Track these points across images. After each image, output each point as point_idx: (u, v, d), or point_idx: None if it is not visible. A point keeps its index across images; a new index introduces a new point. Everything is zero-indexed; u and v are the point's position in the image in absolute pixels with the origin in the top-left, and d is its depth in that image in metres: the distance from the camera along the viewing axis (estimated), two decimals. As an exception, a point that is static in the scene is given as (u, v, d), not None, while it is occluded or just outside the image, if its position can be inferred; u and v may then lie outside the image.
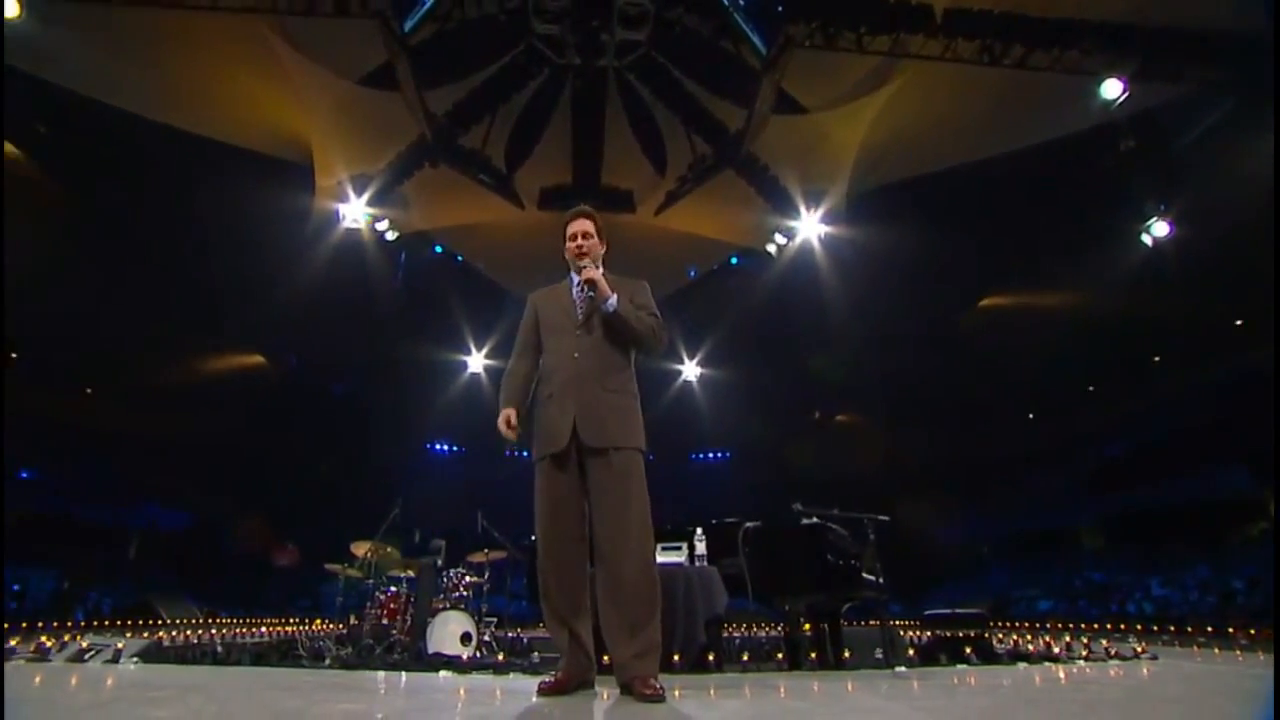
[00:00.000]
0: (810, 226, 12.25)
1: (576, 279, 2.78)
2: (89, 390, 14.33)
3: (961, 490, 17.78)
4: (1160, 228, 10.47)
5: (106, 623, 10.30)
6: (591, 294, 2.69)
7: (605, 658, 2.53)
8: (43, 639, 4.29)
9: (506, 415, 2.67)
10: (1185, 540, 12.50)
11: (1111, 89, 9.27)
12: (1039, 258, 12.89)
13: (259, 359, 15.82)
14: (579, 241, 2.82)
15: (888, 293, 13.68)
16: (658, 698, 2.23)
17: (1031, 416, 16.63)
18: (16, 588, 12.95)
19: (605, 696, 2.42)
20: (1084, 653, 4.28)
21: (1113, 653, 4.30)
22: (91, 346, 12.88)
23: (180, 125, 10.47)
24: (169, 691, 2.50)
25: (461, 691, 2.61)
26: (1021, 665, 3.89)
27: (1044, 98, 9.93)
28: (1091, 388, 15.03)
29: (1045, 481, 16.65)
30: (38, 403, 13.51)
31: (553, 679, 2.47)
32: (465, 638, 4.92)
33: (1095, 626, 8.78)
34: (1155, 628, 8.59)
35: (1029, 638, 5.37)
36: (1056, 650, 4.42)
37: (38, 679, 2.85)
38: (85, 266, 11.74)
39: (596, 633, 2.56)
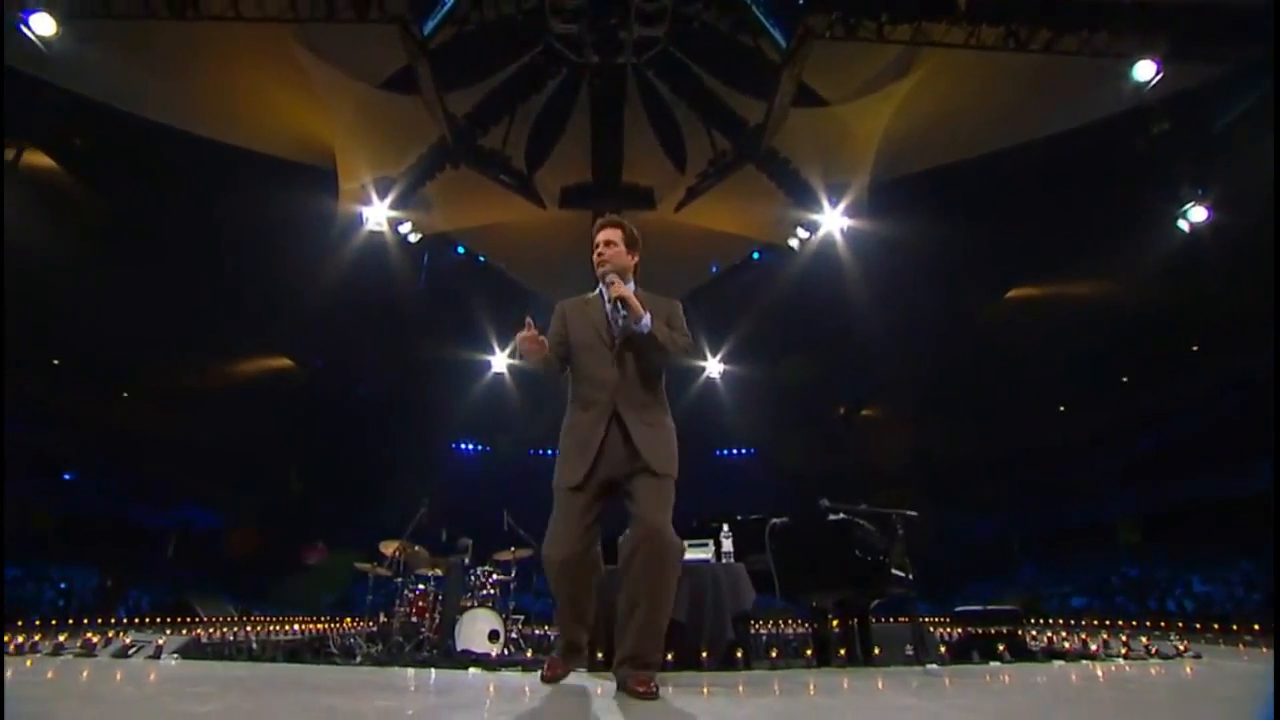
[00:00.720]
0: (832, 220, 12.11)
1: (607, 294, 2.66)
2: (125, 394, 14.73)
3: (991, 485, 17.46)
4: (1197, 213, 10.14)
5: (147, 620, 10.58)
6: (624, 313, 2.56)
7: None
8: (89, 635, 4.42)
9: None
10: (1227, 536, 12.13)
11: (1144, 71, 8.98)
12: (1068, 247, 12.58)
13: (287, 362, 16.13)
14: (600, 250, 2.73)
15: (912, 285, 13.47)
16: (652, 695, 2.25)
17: (1062, 409, 16.27)
18: (63, 585, 13.38)
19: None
20: (1123, 650, 4.16)
21: (1153, 651, 4.19)
22: (127, 351, 13.23)
23: (208, 134, 10.70)
24: (209, 687, 2.56)
25: (491, 689, 2.63)
26: (1057, 663, 3.80)
27: (1073, 82, 9.67)
28: (1125, 379, 14.65)
29: (1077, 476, 16.27)
30: (78, 407, 13.95)
31: (549, 667, 2.61)
32: (493, 635, 4.97)
33: (1133, 624, 8.54)
34: (1198, 625, 8.35)
35: (1064, 635, 5.25)
36: (1094, 648, 4.32)
37: (85, 674, 2.93)
38: (121, 274, 12.06)
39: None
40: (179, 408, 15.00)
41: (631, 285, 2.72)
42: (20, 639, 4.29)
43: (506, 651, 4.84)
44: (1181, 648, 4.31)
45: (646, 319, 2.54)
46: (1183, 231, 10.40)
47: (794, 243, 12.81)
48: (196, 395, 15.08)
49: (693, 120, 11.98)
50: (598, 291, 2.76)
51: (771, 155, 11.32)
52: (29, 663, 3.47)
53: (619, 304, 2.56)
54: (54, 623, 6.38)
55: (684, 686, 2.64)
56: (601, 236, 2.76)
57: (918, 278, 13.31)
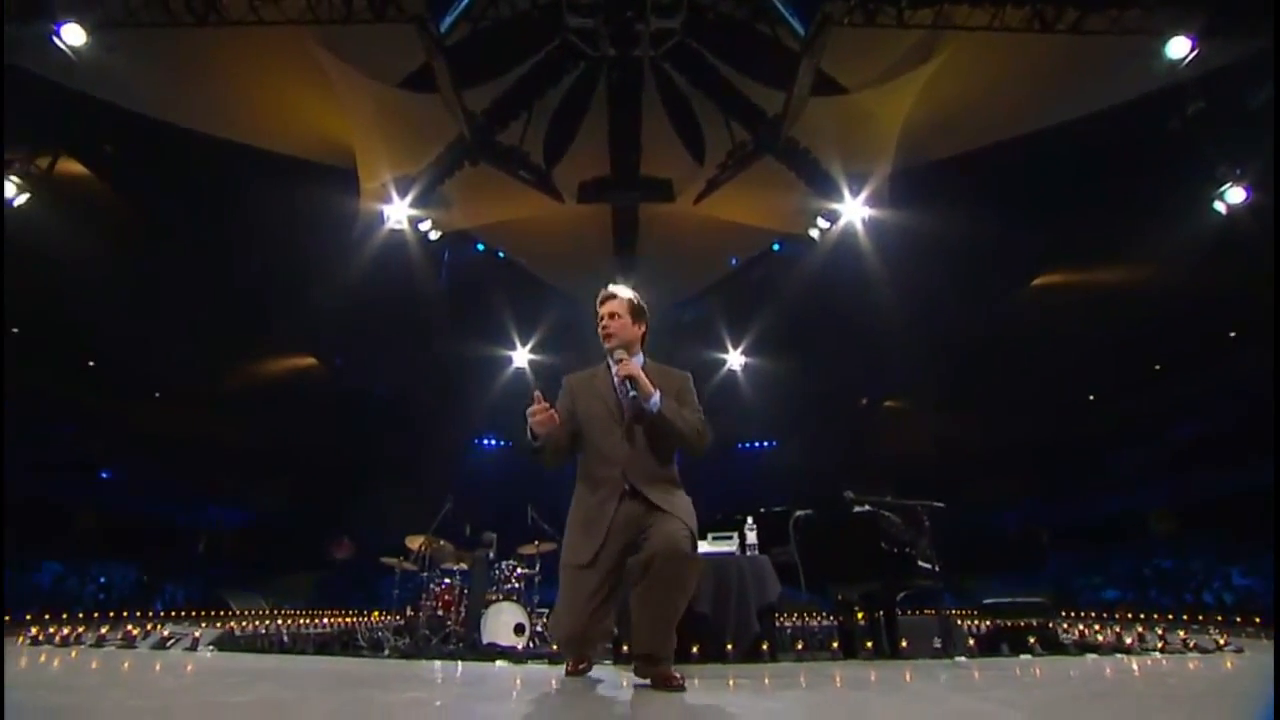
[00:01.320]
0: (853, 210, 11.93)
1: (615, 371, 2.57)
2: (156, 395, 15.10)
3: (1018, 476, 17.18)
4: (1235, 194, 9.80)
5: (182, 613, 10.89)
6: (634, 393, 2.46)
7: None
8: (129, 628, 4.56)
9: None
10: (1268, 527, 11.78)
11: (1178, 48, 8.66)
12: (1098, 232, 12.27)
13: (310, 361, 16.39)
14: (605, 324, 2.64)
15: (935, 274, 13.25)
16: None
17: (1092, 398, 15.93)
18: (103, 580, 13.83)
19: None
20: (1159, 644, 4.07)
21: (1191, 644, 4.08)
22: (158, 354, 13.55)
23: (232, 138, 10.86)
24: (245, 678, 2.62)
25: (518, 681, 2.65)
26: (1090, 656, 3.73)
27: (1102, 62, 9.38)
28: (1158, 366, 14.29)
29: (1109, 466, 15.94)
30: (112, 408, 14.34)
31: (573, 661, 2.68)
32: (519, 628, 5.01)
33: (1169, 617, 8.32)
34: (1238, 619, 8.10)
35: (1097, 628, 5.14)
36: (1128, 641, 4.22)
37: (126, 664, 3.02)
38: (150, 279, 12.34)
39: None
40: (207, 408, 15.35)
41: (640, 358, 2.64)
42: (65, 631, 4.44)
43: (532, 644, 4.88)
44: (1220, 641, 4.19)
45: (656, 398, 2.46)
46: (1219, 214, 10.06)
47: (814, 233, 12.65)
48: (224, 396, 15.40)
49: (711, 111, 11.88)
50: (605, 365, 2.68)
51: (791, 145, 11.18)
52: (74, 654, 3.59)
53: (628, 383, 2.47)
54: (95, 615, 6.60)
55: (710, 679, 2.64)
56: (606, 309, 2.66)
57: (941, 267, 13.09)
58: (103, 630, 4.57)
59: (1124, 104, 10.04)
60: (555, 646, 2.53)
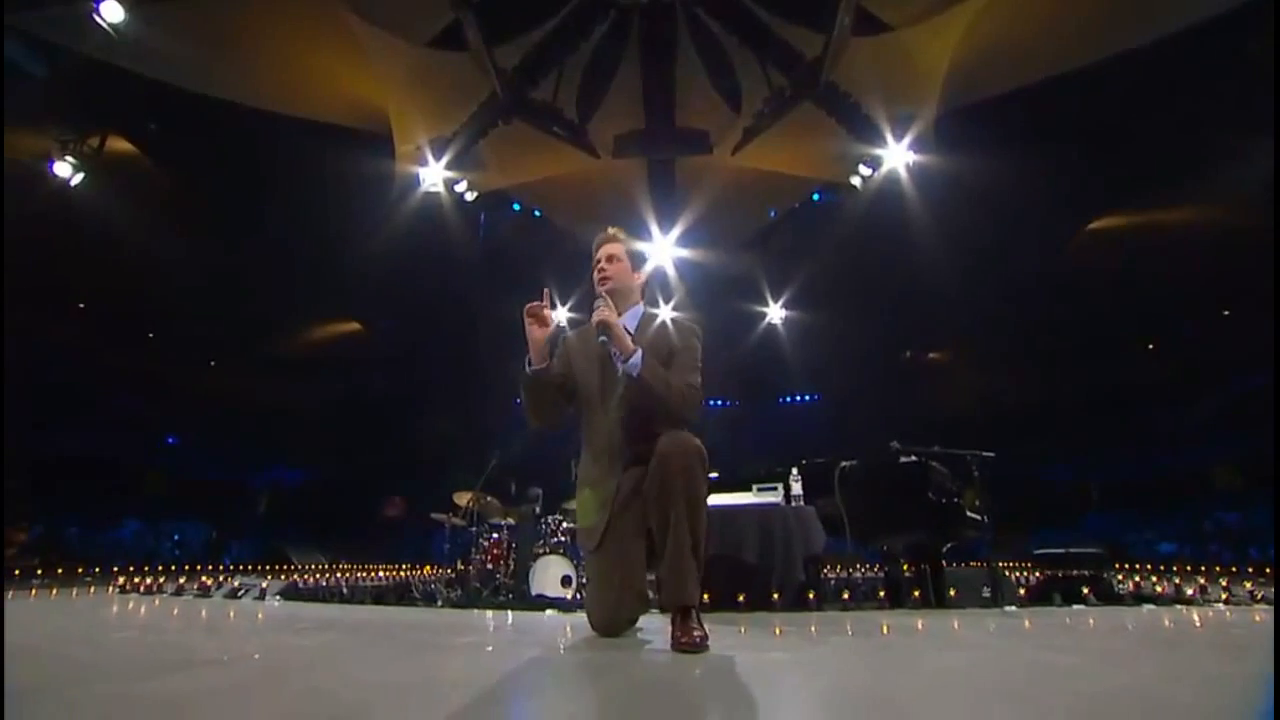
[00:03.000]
0: (897, 155, 11.43)
1: (593, 317, 2.29)
2: (212, 363, 15.77)
3: (1069, 429, 16.68)
4: (1315, 124, 9.04)
5: (249, 566, 11.57)
6: (603, 339, 2.22)
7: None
8: (204, 579, 4.88)
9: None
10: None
11: (1258, -40, 7.94)
12: (1162, 170, 11.51)
13: (356, 325, 16.82)
14: (602, 267, 2.44)
15: (984, 221, 12.69)
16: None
17: (1151, 347, 15.23)
18: (177, 537, 14.84)
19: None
20: (1223, 595, 3.94)
21: (1258, 596, 3.94)
22: (211, 322, 14.08)
23: (269, 107, 10.97)
24: (311, 624, 2.77)
25: (568, 629, 2.73)
26: (1147, 607, 3.64)
27: (1170, -19, 8.66)
28: (1226, 312, 13.52)
29: (1167, 418, 15.32)
30: (172, 376, 15.04)
31: None
32: (565, 580, 5.15)
33: (1233, 570, 8.00)
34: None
35: (1154, 580, 5.02)
36: (1189, 592, 4.09)
37: (204, 612, 3.23)
38: (200, 250, 12.74)
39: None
40: (262, 374, 15.97)
41: (639, 309, 2.45)
42: (149, 581, 4.79)
43: (579, 595, 5.02)
44: (1289, 593, 4.03)
45: (636, 358, 2.15)
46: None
47: (856, 181, 12.20)
48: (275, 361, 15.98)
49: (747, 58, 11.43)
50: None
51: (831, 89, 10.72)
52: (157, 602, 3.85)
53: (602, 330, 2.21)
54: (173, 568, 7.10)
55: (756, 627, 2.67)
56: (604, 253, 2.47)
57: (989, 213, 12.52)
58: (180, 581, 4.92)
59: (1194, 27, 9.26)
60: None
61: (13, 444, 12.73)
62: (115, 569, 6.93)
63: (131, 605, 3.58)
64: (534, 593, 5.01)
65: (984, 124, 11.11)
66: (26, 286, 11.86)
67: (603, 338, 2.22)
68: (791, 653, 2.06)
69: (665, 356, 2.30)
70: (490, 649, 2.22)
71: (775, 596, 3.17)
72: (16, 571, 8.08)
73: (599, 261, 2.46)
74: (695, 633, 1.92)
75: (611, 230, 2.54)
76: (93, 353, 13.70)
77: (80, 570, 7.26)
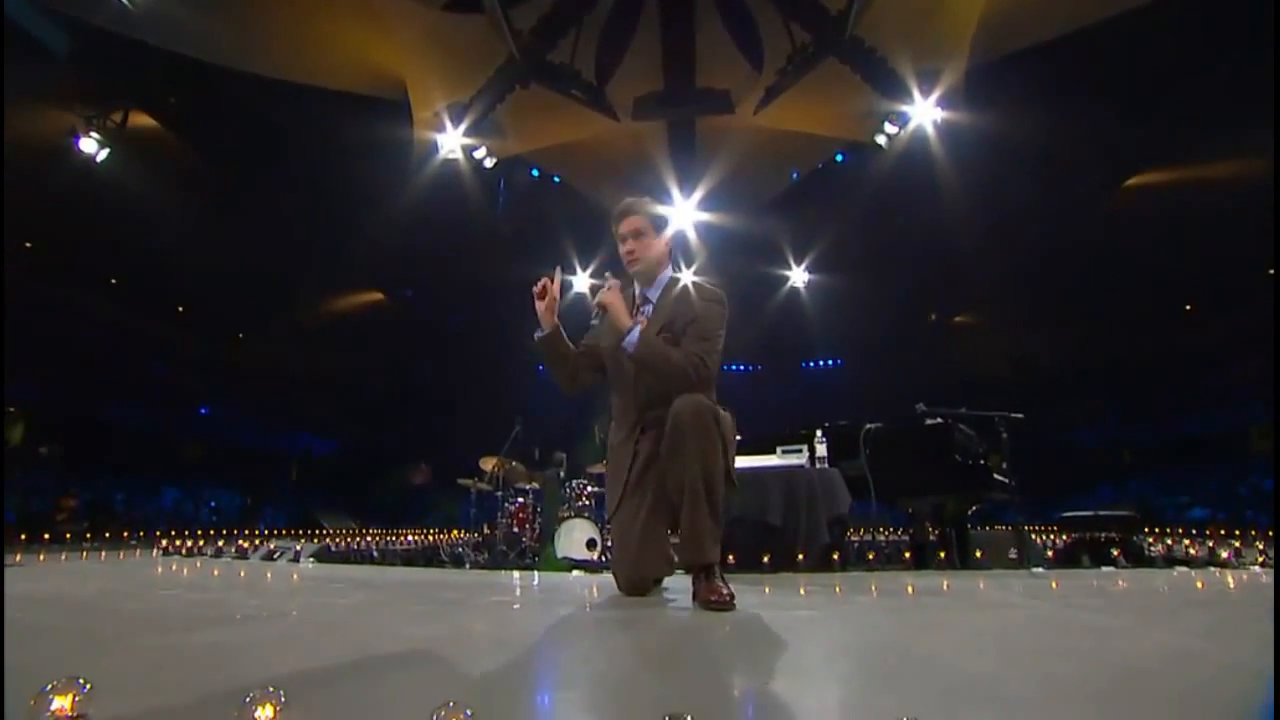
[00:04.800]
0: (924, 111, 11.04)
1: (648, 294, 2.38)
2: (240, 335, 16.08)
3: (1100, 393, 16.36)
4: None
5: (283, 531, 11.96)
6: (596, 318, 2.29)
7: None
8: (241, 543, 5.07)
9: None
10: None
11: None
12: (1204, 123, 10.95)
13: (378, 295, 16.98)
14: (629, 245, 2.37)
15: (1015, 179, 12.27)
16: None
17: (1189, 308, 14.76)
18: (213, 504, 15.38)
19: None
20: (1259, 559, 3.86)
21: (1295, 558, 3.85)
22: (238, 295, 14.31)
23: (286, 77, 10.92)
24: (345, 585, 2.85)
25: (594, 589, 2.77)
26: (1178, 570, 3.59)
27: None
28: (1272, 271, 13.00)
29: (1204, 380, 14.91)
30: (202, 348, 15.39)
31: None
32: (590, 543, 5.23)
33: (1269, 534, 7.84)
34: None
35: (1187, 543, 4.94)
36: (1224, 555, 4.02)
37: (242, 573, 3.34)
38: (225, 223, 12.87)
39: None
40: (286, 344, 16.25)
41: (667, 274, 2.40)
42: (189, 544, 4.99)
43: (604, 558, 5.09)
44: (1327, 555, 3.93)
45: (633, 334, 2.17)
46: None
47: (881, 140, 11.83)
48: (303, 332, 16.24)
49: (769, 13, 11.04)
50: (633, 289, 2.46)
51: (856, 44, 10.33)
52: (198, 564, 4.00)
53: (597, 311, 2.29)
54: (211, 533, 7.39)
55: (783, 585, 2.69)
56: (626, 228, 2.37)
57: (1021, 170, 12.09)
58: (219, 544, 5.11)
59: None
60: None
61: (57, 414, 13.23)
62: (158, 533, 7.22)
63: (174, 566, 3.73)
64: (559, 555, 5.10)
65: (1016, 77, 10.63)
66: (60, 262, 12.16)
67: (594, 318, 2.32)
68: (819, 610, 2.07)
69: (686, 323, 2.26)
70: (518, 607, 2.27)
71: (800, 557, 3.18)
72: (67, 535, 8.46)
73: (625, 239, 2.39)
74: (723, 590, 1.94)
75: (629, 200, 2.43)
76: (126, 327, 14.05)
77: (126, 535, 7.57)
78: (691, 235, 13.36)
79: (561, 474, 6.11)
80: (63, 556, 4.64)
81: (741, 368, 18.73)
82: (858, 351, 18.04)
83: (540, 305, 2.35)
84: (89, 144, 10.27)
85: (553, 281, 2.35)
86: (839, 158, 13.60)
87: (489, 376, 17.03)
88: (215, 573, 3.33)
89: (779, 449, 3.66)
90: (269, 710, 0.71)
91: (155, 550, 5.18)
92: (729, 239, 14.02)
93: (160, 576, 3.15)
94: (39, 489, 11.73)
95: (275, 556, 4.51)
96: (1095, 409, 16.56)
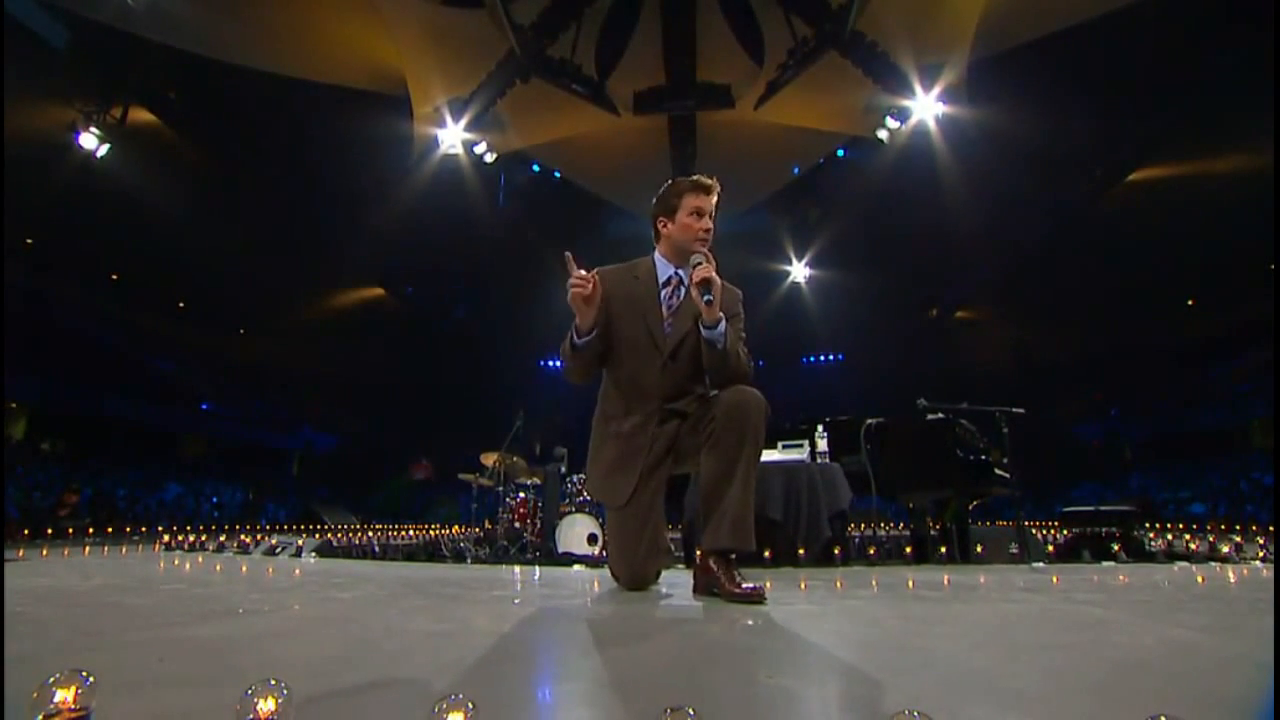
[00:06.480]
0: (926, 106, 11.03)
1: (683, 275, 2.13)
2: (241, 331, 16.09)
3: (1101, 388, 16.36)
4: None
5: (284, 526, 11.98)
6: (709, 296, 1.97)
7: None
8: (243, 537, 5.08)
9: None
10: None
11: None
12: (1205, 117, 10.91)
13: (379, 291, 16.97)
14: (706, 223, 2.14)
15: (1017, 173, 12.25)
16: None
17: (1191, 303, 14.73)
18: (216, 499, 15.40)
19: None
20: (1259, 554, 3.86)
21: (1297, 553, 3.85)
22: (239, 291, 14.33)
23: (286, 73, 10.89)
24: (347, 579, 2.85)
25: (595, 584, 2.77)
26: (1179, 564, 3.59)
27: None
28: (1273, 266, 12.97)
29: (1205, 375, 14.91)
30: (204, 344, 15.42)
31: None
32: (591, 538, 5.24)
33: (1270, 529, 7.86)
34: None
35: (1188, 538, 4.94)
36: (1225, 550, 4.02)
37: (244, 567, 3.35)
38: (224, 219, 12.87)
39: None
40: (291, 341, 16.28)
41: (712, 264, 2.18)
42: (191, 539, 5.00)
43: (604, 554, 5.10)
44: (1328, 551, 3.94)
45: (721, 327, 2.03)
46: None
47: (883, 134, 11.81)
48: (304, 328, 16.26)
49: (770, 7, 11.02)
50: (648, 261, 2.22)
51: (857, 38, 10.31)
52: (200, 559, 4.01)
53: (704, 290, 1.99)
54: (213, 528, 7.40)
55: (784, 580, 2.69)
56: (706, 204, 2.15)
57: (1022, 165, 12.07)
58: (221, 539, 5.12)
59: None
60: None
61: (59, 410, 13.25)
62: (160, 528, 7.24)
63: (176, 561, 3.74)
64: (560, 550, 5.11)
65: (1019, 71, 10.62)
66: (62, 258, 12.16)
67: (708, 296, 1.99)
68: (820, 605, 2.07)
69: (731, 316, 2.18)
70: (519, 602, 2.27)
71: (801, 552, 3.18)
72: (70, 530, 8.49)
73: (704, 214, 2.15)
74: (754, 584, 1.96)
75: (713, 178, 2.22)
76: (128, 323, 14.07)
77: (128, 530, 7.59)
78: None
79: (563, 469, 6.10)
80: (65, 552, 4.65)
81: (741, 363, 18.76)
82: (859, 346, 18.05)
83: (583, 304, 2.06)
84: (89, 139, 10.26)
85: (578, 265, 2.08)
86: (840, 153, 13.58)
87: (490, 371, 17.05)
88: (217, 568, 3.33)
89: (780, 444, 3.66)
90: (271, 703, 0.71)
91: (157, 545, 5.20)
92: (730, 234, 14.02)
93: (162, 571, 3.16)
94: (41, 484, 11.77)
95: (277, 551, 4.52)
96: (1096, 404, 16.56)
